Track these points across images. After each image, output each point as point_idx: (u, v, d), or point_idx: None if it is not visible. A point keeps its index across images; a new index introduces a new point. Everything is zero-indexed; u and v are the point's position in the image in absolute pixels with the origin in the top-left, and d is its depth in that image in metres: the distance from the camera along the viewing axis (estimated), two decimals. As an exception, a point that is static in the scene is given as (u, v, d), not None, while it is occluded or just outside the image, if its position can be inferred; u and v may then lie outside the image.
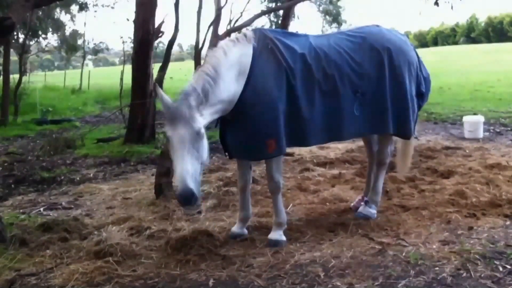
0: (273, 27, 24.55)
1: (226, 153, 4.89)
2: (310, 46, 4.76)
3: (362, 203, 5.50)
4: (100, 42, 39.73)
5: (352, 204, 5.74)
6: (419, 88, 5.22)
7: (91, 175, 8.57)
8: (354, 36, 5.03)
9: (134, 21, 11.01)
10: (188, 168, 3.82)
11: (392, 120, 4.97)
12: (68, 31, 34.19)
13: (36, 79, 35.38)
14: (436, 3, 14.57)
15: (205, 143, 4.03)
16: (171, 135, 3.96)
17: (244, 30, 4.84)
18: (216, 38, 5.88)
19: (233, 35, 5.04)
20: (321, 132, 4.76)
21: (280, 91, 4.49)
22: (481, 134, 10.30)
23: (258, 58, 4.50)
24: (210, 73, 4.25)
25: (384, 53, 4.91)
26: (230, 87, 4.37)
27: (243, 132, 4.52)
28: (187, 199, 3.80)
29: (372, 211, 5.35)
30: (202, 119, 4.07)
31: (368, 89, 4.84)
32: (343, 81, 4.74)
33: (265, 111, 4.44)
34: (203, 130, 3.99)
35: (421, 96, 5.26)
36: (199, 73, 4.30)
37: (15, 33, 20.38)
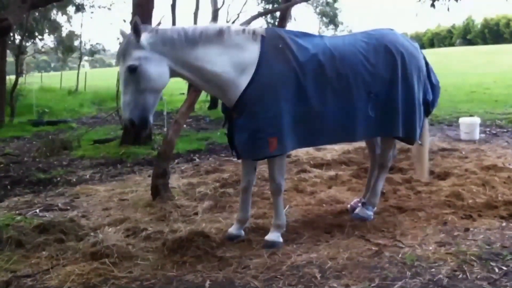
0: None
1: (234, 153, 4.88)
2: (325, 46, 4.76)
3: (359, 204, 5.50)
4: (97, 43, 39.73)
5: (349, 205, 5.74)
6: (425, 96, 5.21)
7: (88, 176, 8.56)
8: (369, 37, 5.02)
9: (131, 22, 11.00)
10: (125, 100, 4.21)
11: (401, 124, 4.98)
12: (64, 32, 34.28)
13: (33, 80, 35.30)
14: (433, 5, 14.61)
15: (146, 73, 4.19)
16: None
17: (257, 27, 4.83)
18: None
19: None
20: (334, 132, 4.77)
21: (287, 90, 4.50)
22: (477, 135, 10.32)
23: (265, 57, 4.51)
24: (186, 30, 4.46)
25: (398, 57, 4.91)
26: (215, 65, 4.47)
27: (247, 129, 4.52)
28: (127, 126, 4.38)
29: (369, 213, 5.35)
30: (148, 53, 4.23)
31: (381, 90, 4.84)
32: (357, 81, 4.74)
33: (268, 109, 4.45)
34: (136, 64, 4.16)
35: (427, 104, 5.25)
36: (179, 26, 4.61)
37: (11, 34, 20.35)
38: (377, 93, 4.83)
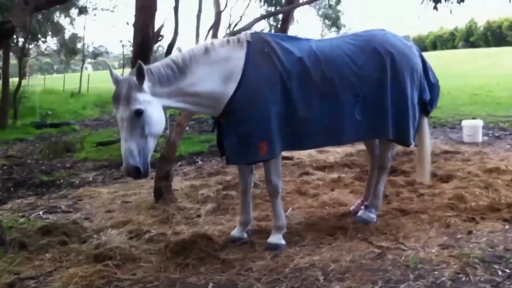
0: (272, 31, 24.61)
1: (224, 158, 4.87)
2: (310, 49, 4.75)
3: (362, 207, 5.49)
4: (100, 46, 39.91)
5: (351, 208, 5.74)
6: (422, 95, 5.16)
7: (91, 178, 8.58)
8: (357, 39, 5.00)
9: (134, 25, 10.97)
10: (130, 147, 4.01)
11: (392, 126, 4.93)
12: (67, 35, 34.27)
13: (36, 82, 35.49)
14: (435, 8, 14.62)
15: (150, 118, 4.08)
16: (115, 114, 4.19)
17: (241, 33, 4.83)
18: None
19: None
20: (320, 136, 4.75)
21: (274, 94, 4.49)
22: (480, 138, 10.31)
23: (251, 62, 4.51)
24: (176, 61, 4.39)
25: (387, 57, 4.86)
26: (207, 84, 4.43)
27: (236, 135, 4.51)
28: (132, 174, 4.08)
29: (372, 215, 5.34)
30: (150, 97, 4.14)
31: (369, 92, 4.80)
32: (343, 84, 4.71)
33: (256, 113, 4.45)
34: (142, 108, 4.04)
35: (424, 103, 5.20)
36: (166, 58, 4.51)
37: (14, 37, 20.39)
38: (365, 95, 4.78)
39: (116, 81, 4.20)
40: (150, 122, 4.08)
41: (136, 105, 4.02)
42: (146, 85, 4.13)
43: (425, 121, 5.43)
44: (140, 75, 4.07)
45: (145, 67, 4.17)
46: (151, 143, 4.15)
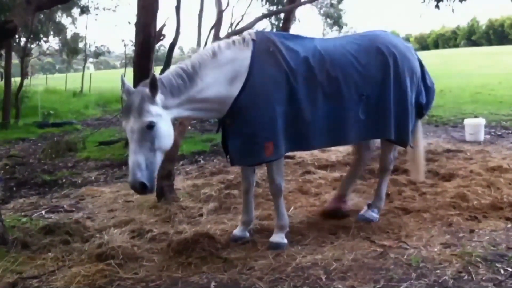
0: (274, 30, 24.60)
1: (228, 159, 4.86)
2: (315, 49, 4.74)
3: (365, 206, 5.49)
4: (102, 45, 39.97)
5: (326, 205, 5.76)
6: (418, 98, 5.17)
7: (93, 178, 8.59)
8: (361, 39, 5.01)
9: (136, 24, 11.01)
10: (138, 160, 3.93)
11: (394, 126, 4.93)
12: (69, 34, 34.29)
13: (38, 82, 35.46)
14: (437, 6, 14.58)
15: (161, 132, 4.04)
16: (124, 126, 4.10)
17: (245, 32, 4.82)
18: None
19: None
20: (324, 135, 4.73)
21: (280, 93, 4.48)
22: (482, 137, 10.30)
23: (257, 62, 4.49)
24: (186, 69, 4.35)
25: (390, 58, 4.87)
26: (214, 88, 4.41)
27: (241, 135, 4.51)
28: (137, 189, 3.98)
29: (375, 215, 5.34)
30: (161, 110, 4.10)
31: (372, 92, 4.80)
32: (348, 83, 4.71)
33: (262, 113, 4.43)
34: (154, 120, 3.99)
35: (420, 106, 5.22)
36: (175, 67, 4.45)
37: (16, 36, 20.42)
38: (369, 95, 4.79)
39: (128, 92, 4.16)
40: (161, 136, 4.04)
41: (148, 118, 3.98)
42: (159, 97, 4.10)
43: (419, 122, 5.49)
44: (154, 87, 4.03)
45: (158, 77, 4.13)
46: (159, 158, 4.10)
